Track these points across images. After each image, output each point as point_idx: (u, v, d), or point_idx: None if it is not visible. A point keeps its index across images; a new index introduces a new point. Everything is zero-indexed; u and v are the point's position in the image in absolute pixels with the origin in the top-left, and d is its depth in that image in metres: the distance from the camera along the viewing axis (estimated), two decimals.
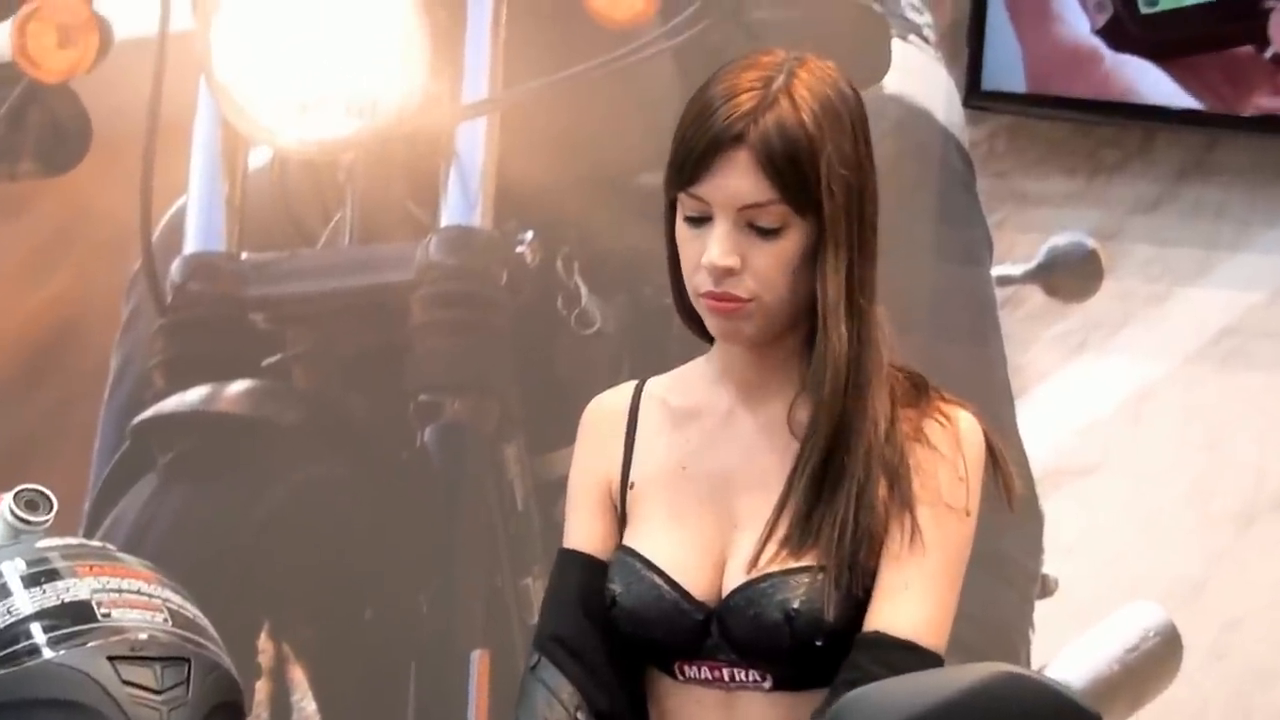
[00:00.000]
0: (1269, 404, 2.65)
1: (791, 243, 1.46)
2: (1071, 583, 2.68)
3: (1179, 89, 2.62)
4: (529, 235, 2.61)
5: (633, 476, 1.53)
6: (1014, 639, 2.65)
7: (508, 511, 2.60)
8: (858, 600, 1.44)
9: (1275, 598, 2.63)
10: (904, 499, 1.45)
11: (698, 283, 1.46)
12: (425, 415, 2.60)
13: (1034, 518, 2.65)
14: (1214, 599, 2.68)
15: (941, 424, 1.48)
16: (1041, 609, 2.67)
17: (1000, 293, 2.70)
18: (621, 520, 1.52)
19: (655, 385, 1.55)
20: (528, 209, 2.60)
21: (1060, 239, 2.74)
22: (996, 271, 2.70)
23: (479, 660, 2.56)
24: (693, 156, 1.45)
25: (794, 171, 1.44)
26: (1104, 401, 2.72)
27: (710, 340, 1.52)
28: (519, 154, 2.60)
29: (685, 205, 1.46)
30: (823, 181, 1.45)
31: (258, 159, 2.65)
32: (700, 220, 1.46)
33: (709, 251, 1.45)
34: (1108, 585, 2.69)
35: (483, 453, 2.61)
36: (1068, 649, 2.68)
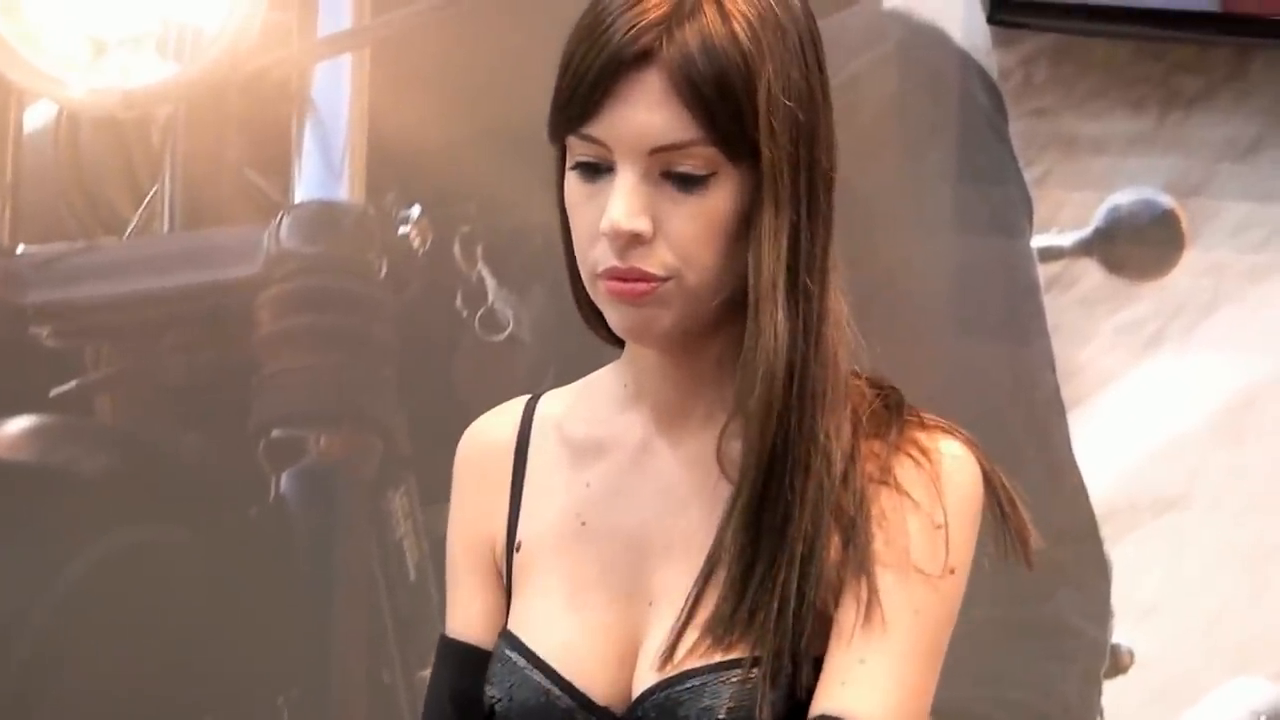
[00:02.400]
0: None
1: (721, 199, 1.31)
2: (1153, 654, 2.51)
3: None
4: (414, 211, 2.46)
5: (520, 534, 1.41)
6: None
7: (395, 582, 2.46)
8: (799, 702, 1.33)
9: None
10: (860, 561, 1.32)
11: (595, 259, 1.32)
12: (281, 457, 2.46)
13: (1098, 571, 2.49)
14: None
15: (916, 461, 1.35)
16: (1113, 690, 2.50)
17: (1045, 271, 2.52)
18: (508, 592, 1.41)
19: (551, 404, 1.44)
20: (411, 176, 2.46)
21: (1124, 197, 2.54)
22: (1038, 243, 2.53)
23: None
24: (584, 84, 1.30)
25: (723, 100, 1.29)
26: (1190, 413, 2.52)
27: (621, 344, 1.40)
28: (397, 104, 2.45)
29: (576, 152, 1.32)
30: (761, 116, 1.30)
31: (36, 118, 2.50)
32: (595, 172, 1.32)
33: (609, 212, 1.30)
34: (1202, 656, 2.52)
35: (360, 505, 2.46)
36: None
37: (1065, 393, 2.49)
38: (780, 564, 1.31)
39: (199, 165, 2.46)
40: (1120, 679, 2.49)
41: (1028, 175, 2.50)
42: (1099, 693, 2.47)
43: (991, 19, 2.48)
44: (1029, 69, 2.52)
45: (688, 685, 1.33)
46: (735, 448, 1.34)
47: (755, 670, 1.31)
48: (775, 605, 1.31)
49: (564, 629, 1.37)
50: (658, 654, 1.34)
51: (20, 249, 2.46)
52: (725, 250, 1.31)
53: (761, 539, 1.32)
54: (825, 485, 1.31)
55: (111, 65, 2.42)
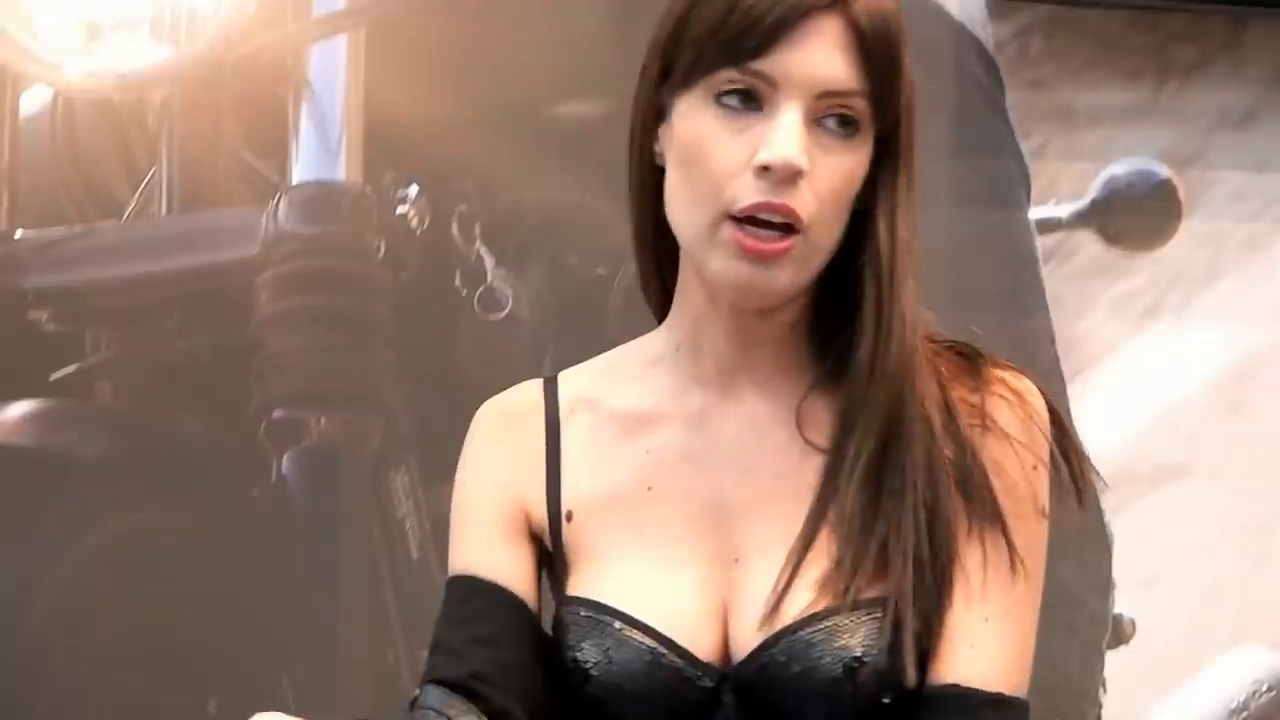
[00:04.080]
0: None
1: (860, 157, 1.37)
2: (1154, 625, 2.54)
3: None
4: (413, 190, 2.50)
5: (567, 505, 1.42)
6: (1079, 702, 2.51)
7: (398, 561, 2.48)
8: (926, 650, 1.37)
9: None
10: (989, 514, 1.36)
11: (733, 195, 1.36)
12: (282, 438, 2.50)
13: (1100, 542, 2.52)
14: None
15: (1008, 399, 1.39)
16: (1115, 660, 2.53)
17: (1043, 242, 2.56)
18: (556, 564, 1.43)
19: (576, 383, 1.46)
20: (409, 155, 2.50)
21: (1121, 168, 2.59)
22: (1036, 214, 2.58)
23: None
24: (765, 20, 1.35)
25: (889, 61, 1.36)
26: (1189, 383, 2.57)
27: (663, 318, 1.45)
28: (394, 83, 2.50)
29: (726, 85, 1.37)
30: (905, 85, 1.38)
31: (31, 103, 2.53)
32: (744, 108, 1.37)
33: (777, 146, 1.34)
34: (1203, 627, 2.56)
35: (362, 485, 2.49)
36: (1156, 713, 2.55)
37: (1065, 364, 2.57)
38: (905, 519, 1.35)
39: (195, 147, 2.50)
40: (1122, 649, 2.56)
41: (1025, 147, 2.58)
42: (1101, 663, 2.54)
43: None
44: (1025, 41, 2.60)
45: (818, 627, 1.35)
46: (817, 410, 1.39)
47: (884, 614, 1.34)
48: (908, 565, 1.34)
49: (655, 590, 1.39)
50: (764, 607, 1.36)
51: (18, 234, 2.51)
52: (846, 211, 1.36)
53: (882, 501, 1.36)
54: (933, 449, 1.36)
55: (106, 49, 2.45)
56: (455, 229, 2.50)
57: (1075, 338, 2.57)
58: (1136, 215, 2.58)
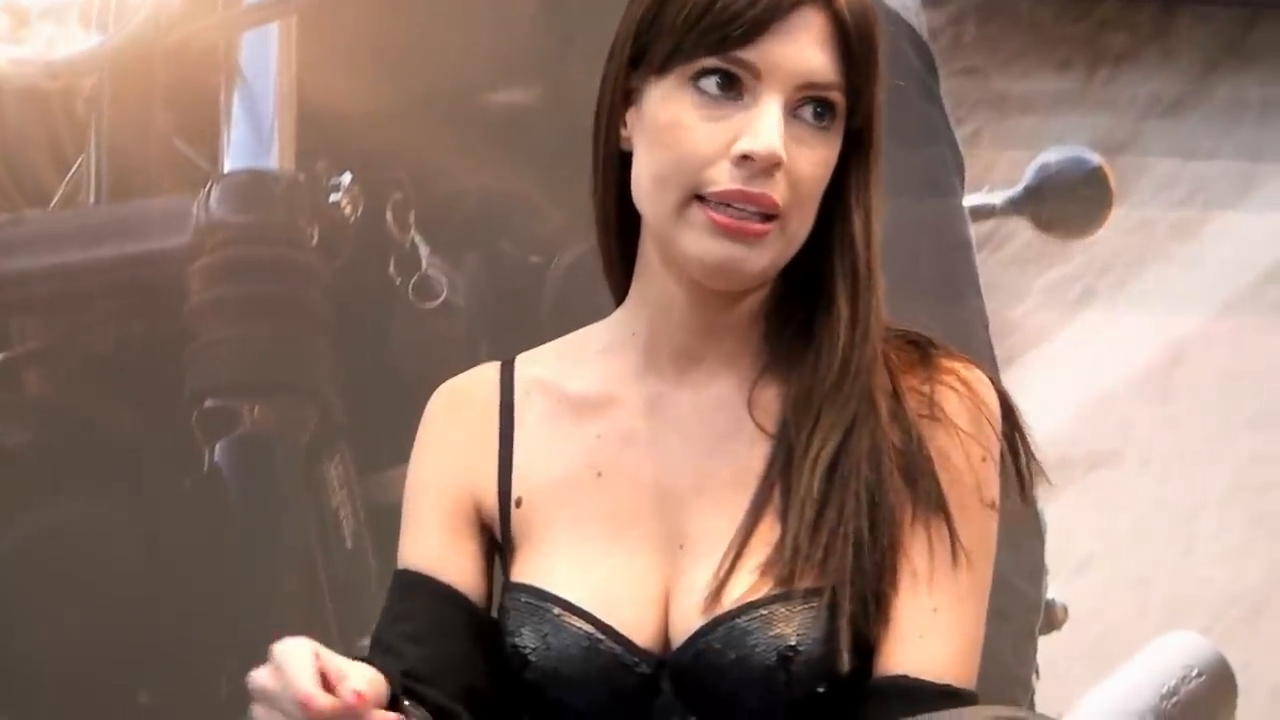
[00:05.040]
0: None
1: (833, 148, 1.39)
2: (1087, 611, 2.56)
3: None
4: (345, 178, 2.50)
5: (517, 490, 1.43)
6: (1013, 687, 2.53)
7: (333, 551, 2.48)
8: (870, 642, 1.37)
9: None
10: (933, 501, 1.37)
11: (707, 179, 1.36)
12: (214, 427, 2.49)
13: (1032, 528, 2.52)
14: (1276, 623, 2.56)
15: (958, 390, 1.40)
16: (1048, 646, 2.53)
17: (976, 229, 2.57)
18: (504, 550, 1.44)
19: (531, 366, 1.47)
20: (341, 143, 2.49)
21: (1053, 155, 2.60)
22: (969, 201, 2.58)
23: None
24: (752, 9, 1.35)
25: (868, 57, 1.38)
26: (1120, 369, 2.59)
27: (620, 301, 1.46)
28: (326, 70, 2.49)
29: (707, 72, 1.37)
30: (879, 80, 1.39)
31: None
32: (723, 96, 1.37)
33: (760, 136, 1.35)
34: (1134, 612, 2.57)
35: (295, 474, 2.48)
36: (1088, 697, 2.55)
37: (998, 351, 2.58)
38: (848, 504, 1.36)
39: (125, 135, 2.47)
40: (1055, 635, 2.57)
41: (958, 134, 2.59)
42: (1034, 648, 2.54)
43: None
44: (958, 29, 2.61)
45: (755, 615, 1.35)
46: (767, 396, 1.40)
47: (819, 602, 1.34)
48: (849, 548, 1.35)
49: (596, 576, 1.40)
50: (705, 593, 1.37)
51: None
52: (818, 201, 1.37)
53: (832, 491, 1.36)
54: (878, 432, 1.37)
55: (34, 36, 2.42)
56: (389, 217, 2.49)
57: (1009, 324, 2.59)
58: (1068, 202, 2.59)
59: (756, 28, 1.35)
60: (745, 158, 1.34)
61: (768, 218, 1.35)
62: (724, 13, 1.35)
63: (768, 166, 1.34)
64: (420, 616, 1.41)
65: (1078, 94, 2.59)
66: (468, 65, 2.49)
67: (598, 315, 1.46)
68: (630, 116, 1.39)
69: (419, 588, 1.42)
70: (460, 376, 1.47)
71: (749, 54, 1.35)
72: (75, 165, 2.50)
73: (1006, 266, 2.59)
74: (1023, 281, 2.58)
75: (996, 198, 2.60)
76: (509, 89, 2.53)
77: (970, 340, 2.55)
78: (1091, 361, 2.59)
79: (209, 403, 2.47)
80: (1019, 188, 2.59)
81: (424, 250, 2.49)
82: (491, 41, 2.46)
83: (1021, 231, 2.59)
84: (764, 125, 1.34)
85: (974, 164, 2.57)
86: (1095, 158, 2.58)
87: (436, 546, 1.43)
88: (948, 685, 1.35)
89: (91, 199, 2.49)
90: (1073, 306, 2.58)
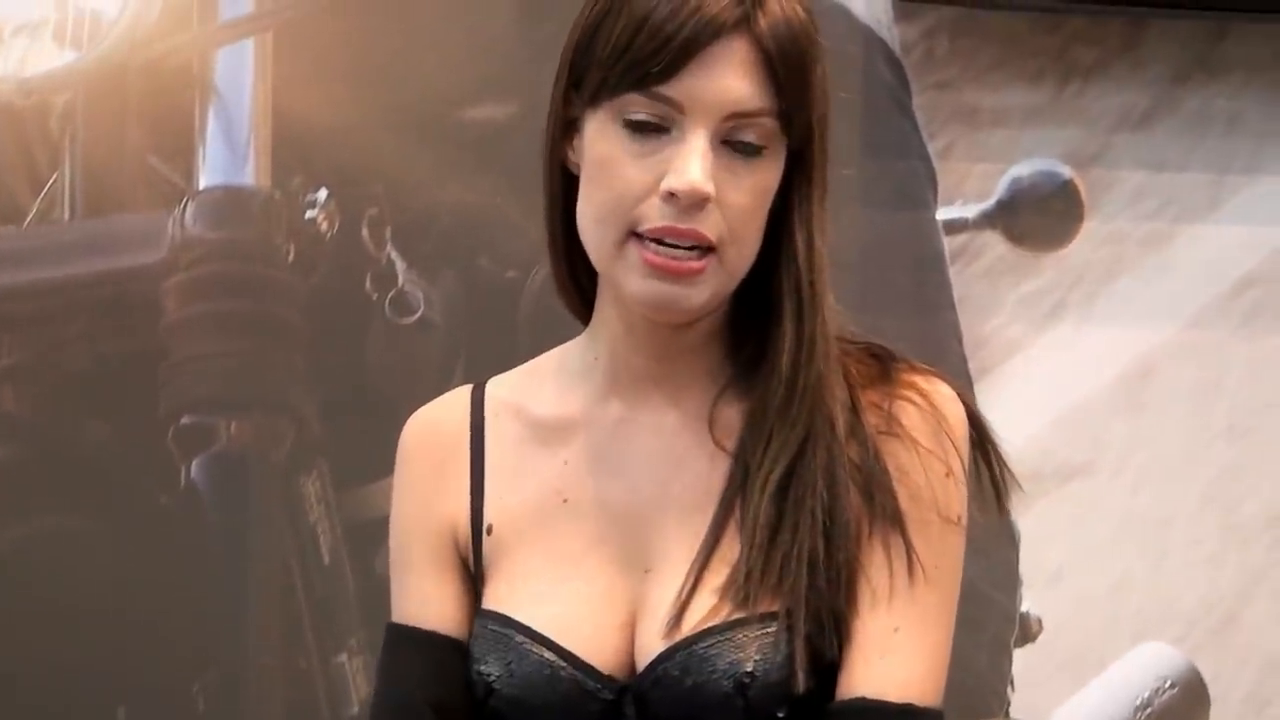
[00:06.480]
0: None
1: (770, 174, 1.38)
2: (1060, 622, 2.58)
3: None
4: (322, 195, 2.50)
5: (489, 518, 1.44)
6: (987, 699, 2.56)
7: (310, 567, 2.49)
8: (823, 655, 1.37)
9: None
10: (889, 516, 1.36)
11: (638, 216, 1.37)
12: (190, 444, 2.49)
13: (1006, 539, 2.57)
14: (1248, 634, 2.58)
15: (919, 406, 1.39)
16: (1022, 658, 2.57)
17: (950, 243, 2.61)
18: (476, 578, 1.44)
19: (501, 389, 1.47)
20: (317, 159, 2.49)
21: (1024, 168, 2.63)
22: (942, 215, 2.62)
23: None
24: (673, 43, 1.35)
25: (796, 77, 1.37)
26: (1092, 381, 2.60)
27: (586, 321, 1.46)
28: (301, 87, 2.50)
29: (632, 109, 1.38)
30: (816, 100, 1.38)
31: None
32: (651, 131, 1.37)
33: (685, 173, 1.35)
34: (1108, 624, 2.59)
35: (272, 491, 2.48)
36: (1061, 709, 2.57)
37: (971, 364, 2.59)
38: (803, 522, 1.35)
39: (100, 152, 2.47)
40: (1029, 647, 2.58)
41: (931, 148, 2.60)
42: (1009, 660, 2.57)
43: None
44: (931, 42, 2.61)
45: (712, 643, 1.35)
46: (728, 414, 1.40)
47: (776, 626, 1.34)
48: (804, 568, 1.34)
49: (559, 602, 1.40)
50: (666, 618, 1.37)
51: None
52: (761, 228, 1.37)
53: (787, 511, 1.36)
54: (834, 447, 1.36)
55: (8, 53, 2.42)
56: (365, 233, 2.49)
57: (982, 337, 2.59)
58: (1040, 215, 2.60)
59: (676, 63, 1.34)
60: (672, 194, 1.34)
61: (706, 251, 1.35)
62: (643, 49, 1.34)
63: (695, 202, 1.33)
64: (410, 667, 1.40)
65: (1049, 107, 2.59)
66: (443, 81, 2.49)
67: (575, 331, 1.46)
68: (575, 142, 1.39)
69: (405, 639, 1.41)
70: (432, 404, 1.47)
71: (671, 90, 1.34)
72: (49, 182, 2.50)
73: (980, 280, 2.59)
74: (996, 295, 2.58)
75: (969, 211, 2.60)
76: (485, 105, 2.53)
77: (944, 353, 2.57)
78: (1064, 374, 2.59)
79: (185, 419, 2.47)
80: (991, 201, 2.60)
81: (400, 266, 2.50)
82: (467, 58, 2.46)
83: (994, 245, 2.59)
84: (687, 163, 1.33)
85: (947, 177, 2.59)
86: (1066, 171, 2.59)
87: (420, 593, 1.43)
88: (908, 704, 1.34)
89: (66, 215, 2.49)
90: (1045, 319, 2.59)
